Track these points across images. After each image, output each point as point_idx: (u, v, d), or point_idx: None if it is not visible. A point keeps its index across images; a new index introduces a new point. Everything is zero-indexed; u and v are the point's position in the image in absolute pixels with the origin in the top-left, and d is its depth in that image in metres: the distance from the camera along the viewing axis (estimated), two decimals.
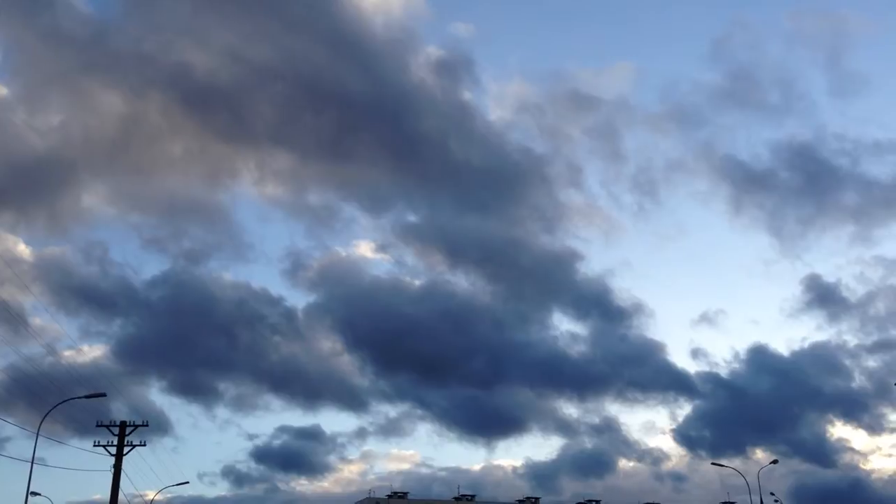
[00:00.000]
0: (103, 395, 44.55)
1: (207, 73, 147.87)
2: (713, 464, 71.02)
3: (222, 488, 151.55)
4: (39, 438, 38.98)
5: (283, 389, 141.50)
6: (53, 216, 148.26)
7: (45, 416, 39.74)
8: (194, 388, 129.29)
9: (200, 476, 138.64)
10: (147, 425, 48.26)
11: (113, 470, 46.19)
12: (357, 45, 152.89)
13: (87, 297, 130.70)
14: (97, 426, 47.35)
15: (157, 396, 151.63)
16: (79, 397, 42.43)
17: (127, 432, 47.29)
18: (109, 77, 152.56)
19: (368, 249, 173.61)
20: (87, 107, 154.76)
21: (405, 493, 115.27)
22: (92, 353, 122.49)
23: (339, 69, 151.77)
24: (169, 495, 63.81)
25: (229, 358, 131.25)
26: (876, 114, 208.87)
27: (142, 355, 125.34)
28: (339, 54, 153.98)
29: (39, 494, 61.13)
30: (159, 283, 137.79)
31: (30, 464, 38.56)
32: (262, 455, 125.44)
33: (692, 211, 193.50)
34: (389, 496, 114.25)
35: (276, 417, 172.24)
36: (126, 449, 47.03)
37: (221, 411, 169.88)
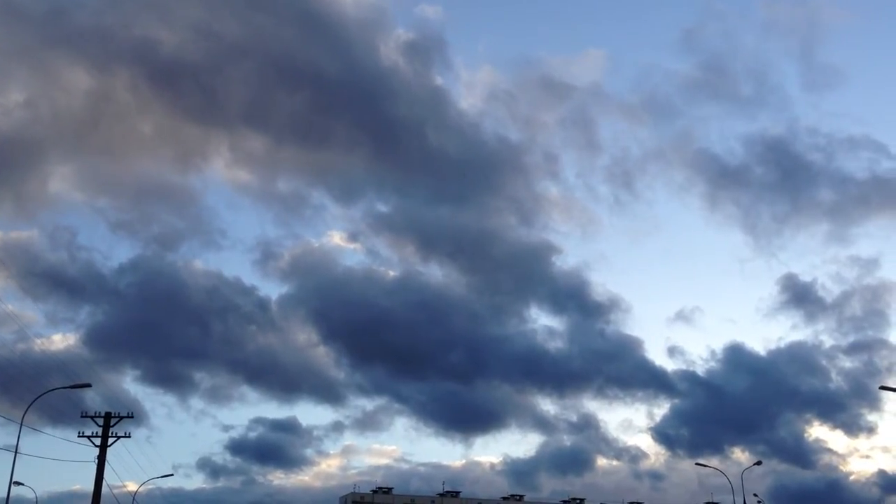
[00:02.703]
0: (88, 385, 44.35)
1: (174, 49, 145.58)
2: (697, 464, 71.48)
3: (198, 480, 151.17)
4: (15, 428, 38.68)
5: (258, 381, 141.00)
6: (19, 198, 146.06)
7: (30, 405, 39.51)
8: (167, 378, 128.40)
9: (175, 468, 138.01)
10: (132, 416, 48.10)
11: (97, 461, 45.96)
12: (327, 24, 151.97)
13: (55, 283, 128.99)
14: (82, 416, 47.10)
15: (130, 386, 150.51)
16: (64, 387, 42.16)
17: (111, 423, 47.07)
18: (72, 53, 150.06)
19: (340, 239, 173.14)
20: (51, 84, 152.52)
21: (390, 489, 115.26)
22: (59, 340, 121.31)
23: (310, 48, 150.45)
24: (150, 486, 63.51)
25: (203, 348, 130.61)
26: (849, 108, 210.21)
27: (112, 343, 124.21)
28: (309, 32, 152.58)
29: (22, 484, 60.72)
30: (129, 270, 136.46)
31: (10, 453, 38.27)
32: (238, 447, 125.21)
33: (668, 205, 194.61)
34: (374, 491, 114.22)
35: (251, 409, 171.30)
36: (110, 440, 46.80)
37: (196, 402, 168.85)
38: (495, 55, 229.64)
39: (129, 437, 47.70)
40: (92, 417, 47.01)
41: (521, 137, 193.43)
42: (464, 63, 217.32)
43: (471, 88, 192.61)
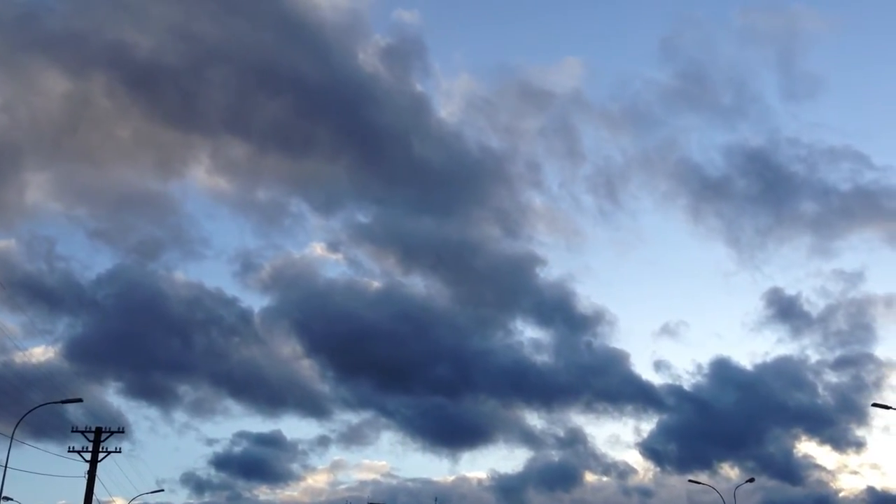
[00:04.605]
0: (80, 400, 44.09)
1: (151, 53, 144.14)
2: (690, 481, 71.18)
3: (183, 495, 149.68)
4: (3, 441, 38.46)
5: (242, 394, 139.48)
6: None
7: (21, 419, 39.27)
8: (149, 391, 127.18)
9: (160, 482, 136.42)
10: (122, 431, 47.86)
11: (87, 476, 45.73)
12: (304, 27, 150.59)
13: (33, 293, 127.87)
14: (72, 431, 46.87)
15: (112, 398, 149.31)
16: (56, 402, 41.94)
17: (102, 438, 46.86)
18: (47, 57, 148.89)
19: (321, 250, 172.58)
20: (26, 88, 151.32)
21: None
22: (39, 353, 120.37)
23: (289, 53, 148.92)
24: (138, 502, 63.18)
25: (185, 360, 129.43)
26: (830, 118, 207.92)
27: (92, 356, 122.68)
28: (287, 36, 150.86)
29: (11, 499, 60.23)
30: (108, 281, 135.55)
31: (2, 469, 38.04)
32: (223, 462, 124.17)
33: (652, 217, 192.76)
34: None
35: (235, 423, 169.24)
36: (101, 455, 46.56)
37: (179, 415, 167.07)
38: (473, 63, 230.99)
39: (120, 451, 47.47)
40: (83, 432, 46.78)
41: (503, 147, 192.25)
42: (442, 71, 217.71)
43: (450, 97, 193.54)
